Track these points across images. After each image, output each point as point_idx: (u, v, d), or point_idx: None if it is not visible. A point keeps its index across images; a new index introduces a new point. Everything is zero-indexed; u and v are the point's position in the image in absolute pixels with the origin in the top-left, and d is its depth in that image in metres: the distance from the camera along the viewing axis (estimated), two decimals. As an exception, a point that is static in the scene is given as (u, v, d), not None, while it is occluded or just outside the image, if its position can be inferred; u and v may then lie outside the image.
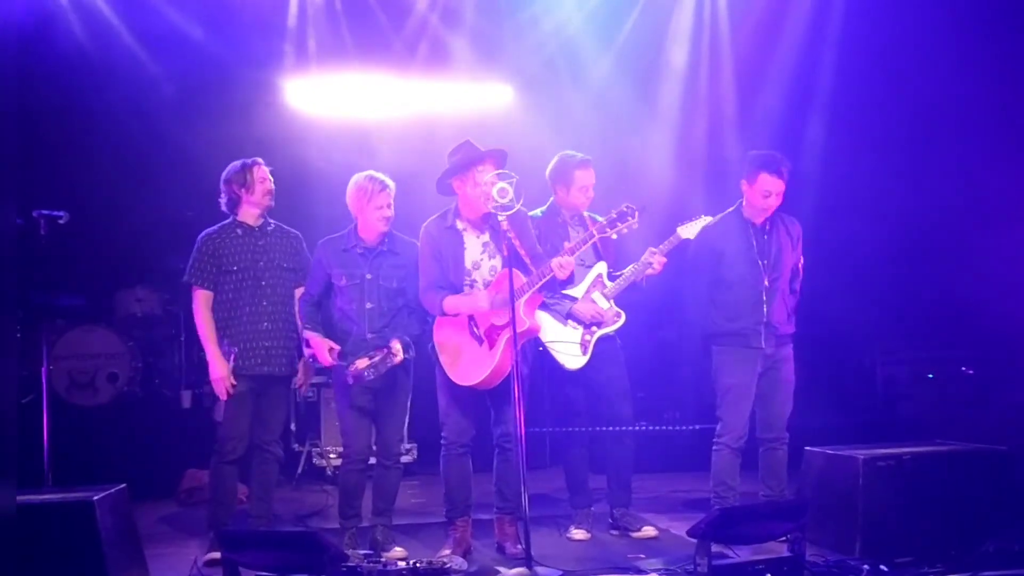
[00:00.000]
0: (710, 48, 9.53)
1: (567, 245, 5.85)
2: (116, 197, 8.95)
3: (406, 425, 6.27)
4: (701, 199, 6.48)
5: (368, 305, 5.95)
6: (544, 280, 5.68)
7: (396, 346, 5.81)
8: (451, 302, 5.81)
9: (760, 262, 6.23)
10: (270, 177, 6.16)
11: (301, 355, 6.18)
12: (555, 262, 5.66)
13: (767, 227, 6.31)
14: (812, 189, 8.78)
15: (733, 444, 6.25)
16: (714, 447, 6.33)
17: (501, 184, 5.39)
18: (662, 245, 6.23)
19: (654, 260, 6.17)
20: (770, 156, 6.29)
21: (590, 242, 5.81)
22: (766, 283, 6.21)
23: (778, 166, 6.21)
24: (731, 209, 6.37)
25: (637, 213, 5.73)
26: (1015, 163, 7.97)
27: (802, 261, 6.40)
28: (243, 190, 6.07)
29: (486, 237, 5.89)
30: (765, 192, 6.19)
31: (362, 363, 5.75)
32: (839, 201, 8.98)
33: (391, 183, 5.99)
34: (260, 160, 6.18)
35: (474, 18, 9.32)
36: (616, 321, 6.24)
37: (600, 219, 6.36)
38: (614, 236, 5.79)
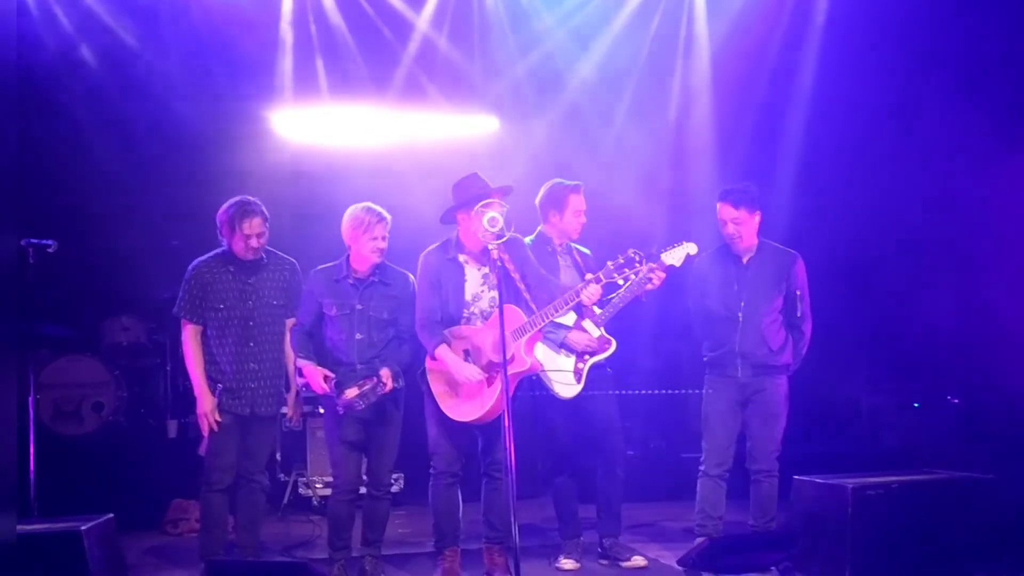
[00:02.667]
0: (693, 78, 9.60)
1: (589, 277, 5.86)
2: (103, 226, 8.91)
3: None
4: (689, 226, 6.51)
5: (358, 336, 5.93)
6: (560, 313, 5.74)
7: (386, 374, 5.80)
8: (444, 354, 5.78)
9: (738, 296, 6.36)
10: (261, 231, 5.99)
11: (288, 390, 6.18)
12: (586, 292, 5.72)
13: (752, 262, 6.42)
14: (792, 219, 8.85)
15: (712, 471, 6.35)
16: (698, 475, 6.43)
17: (491, 213, 5.36)
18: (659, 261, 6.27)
19: (654, 275, 6.15)
20: (728, 186, 6.47)
21: (599, 285, 5.76)
22: (740, 315, 6.32)
23: (726, 194, 6.38)
24: (722, 243, 6.49)
25: (646, 261, 5.73)
26: (999, 194, 8.02)
27: (799, 293, 6.40)
28: (228, 237, 6.00)
29: (486, 269, 5.83)
30: (721, 220, 6.38)
31: (351, 392, 5.73)
32: (823, 230, 9.02)
33: (387, 215, 5.97)
34: (258, 209, 5.99)
35: (461, 49, 9.37)
36: (607, 348, 6.22)
37: (585, 250, 6.41)
38: (620, 281, 5.76)
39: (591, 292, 5.75)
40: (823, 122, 8.99)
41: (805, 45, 9.17)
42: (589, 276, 5.89)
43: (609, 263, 5.78)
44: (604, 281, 5.78)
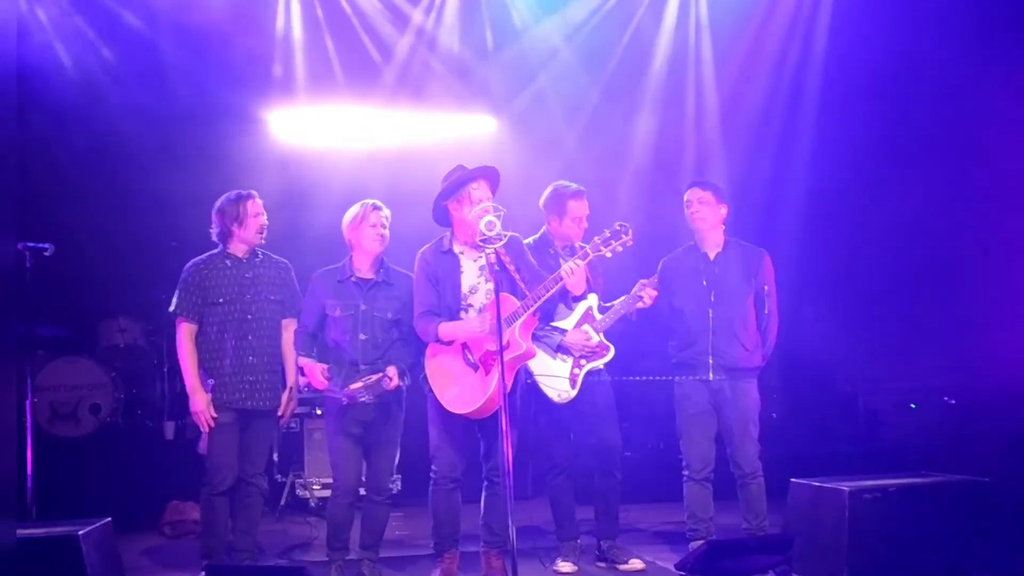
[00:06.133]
0: (695, 75, 9.62)
1: (574, 258, 5.85)
2: (99, 228, 8.91)
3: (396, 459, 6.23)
4: (686, 227, 6.51)
5: (362, 336, 5.94)
6: (550, 293, 5.67)
7: (392, 370, 5.82)
8: (446, 328, 5.77)
9: (707, 293, 6.34)
10: (264, 212, 6.16)
11: (285, 387, 6.17)
12: (566, 267, 5.68)
13: (720, 258, 6.42)
14: (796, 220, 8.86)
15: (696, 475, 6.36)
16: (683, 480, 6.44)
17: (489, 217, 5.36)
18: (652, 278, 6.31)
19: (644, 293, 6.22)
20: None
21: (588, 259, 5.76)
22: (711, 313, 6.31)
23: (694, 182, 6.52)
24: (691, 243, 6.53)
25: (630, 230, 5.72)
26: (998, 196, 8.02)
27: (767, 289, 6.39)
28: (235, 224, 6.07)
29: (483, 260, 5.74)
30: (687, 202, 6.45)
31: (356, 384, 5.74)
32: (823, 230, 9.04)
33: (386, 208, 6.05)
34: (255, 193, 6.17)
35: (458, 50, 9.37)
36: (605, 354, 6.23)
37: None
38: (608, 254, 5.74)
39: (569, 268, 5.68)
40: (841, 113, 8.98)
41: (813, 22, 9.20)
42: (581, 244, 5.87)
43: (596, 237, 5.80)
44: (591, 256, 5.75)
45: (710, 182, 6.52)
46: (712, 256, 6.43)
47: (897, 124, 8.70)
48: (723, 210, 6.43)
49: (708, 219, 6.39)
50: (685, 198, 6.46)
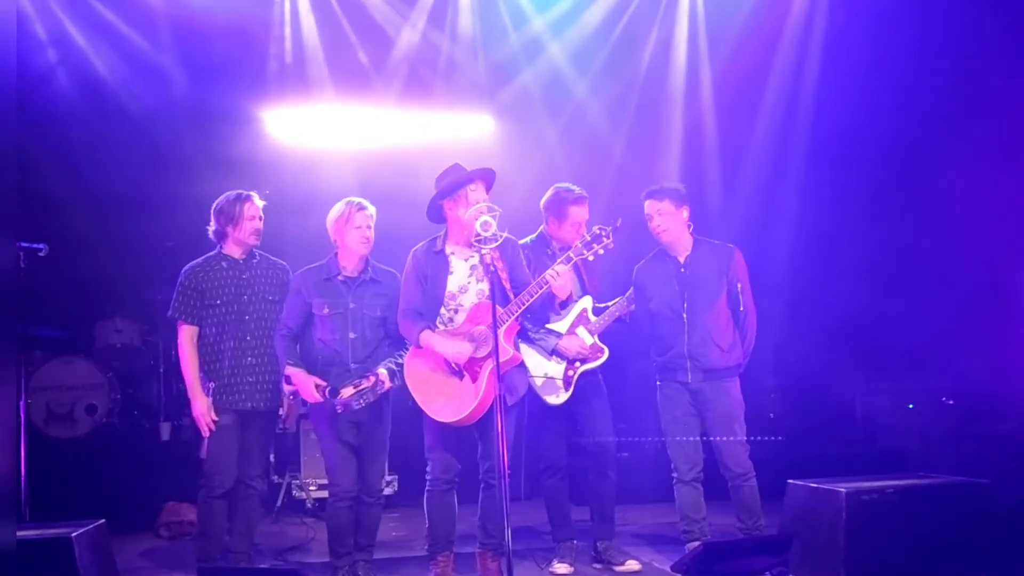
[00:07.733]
0: (688, 76, 9.60)
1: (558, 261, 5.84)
2: (95, 228, 8.91)
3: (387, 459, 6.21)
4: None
5: (352, 335, 5.92)
6: (535, 298, 5.64)
7: (383, 373, 5.78)
8: (428, 337, 5.73)
9: (680, 296, 6.30)
10: (260, 214, 6.12)
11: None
12: (549, 272, 5.65)
13: (690, 260, 6.37)
14: (792, 222, 8.85)
15: (686, 477, 6.32)
16: (673, 483, 6.40)
17: (484, 217, 5.37)
18: None
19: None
20: (653, 186, 6.47)
21: (570, 263, 5.76)
22: (685, 315, 6.26)
23: (649, 192, 6.37)
24: (660, 247, 6.46)
25: (611, 233, 5.71)
26: (993, 195, 8.02)
27: (740, 286, 6.32)
28: (230, 225, 6.05)
29: (475, 260, 5.75)
30: (648, 216, 6.35)
31: (347, 392, 5.70)
32: (819, 232, 9.03)
33: (371, 207, 6.00)
34: (254, 195, 6.14)
35: (455, 50, 9.36)
36: (600, 357, 6.23)
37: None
38: (591, 257, 5.74)
39: (552, 272, 5.67)
40: (837, 112, 8.96)
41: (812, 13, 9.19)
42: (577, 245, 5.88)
43: (577, 242, 5.79)
44: (574, 259, 5.75)
45: (665, 188, 6.38)
46: (683, 259, 6.38)
47: (895, 124, 8.69)
48: (685, 213, 6.35)
49: (672, 229, 6.32)
50: (645, 211, 6.37)
